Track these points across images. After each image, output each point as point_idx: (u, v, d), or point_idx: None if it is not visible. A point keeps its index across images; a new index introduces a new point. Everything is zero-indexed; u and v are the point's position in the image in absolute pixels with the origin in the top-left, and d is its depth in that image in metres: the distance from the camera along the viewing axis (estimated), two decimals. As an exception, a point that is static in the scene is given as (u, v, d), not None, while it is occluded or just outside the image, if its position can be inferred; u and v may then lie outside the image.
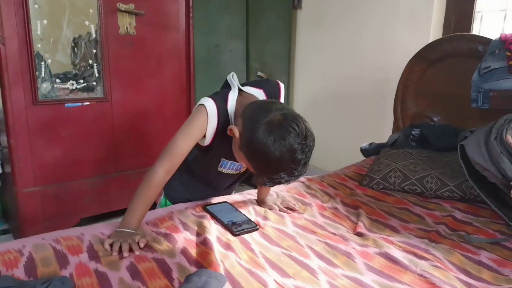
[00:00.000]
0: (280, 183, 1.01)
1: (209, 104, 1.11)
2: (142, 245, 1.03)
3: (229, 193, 1.50)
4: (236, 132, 1.04)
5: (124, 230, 1.05)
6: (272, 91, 1.25)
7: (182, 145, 1.11)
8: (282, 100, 1.27)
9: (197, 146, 1.18)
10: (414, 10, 2.34)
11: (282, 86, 1.29)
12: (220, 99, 1.14)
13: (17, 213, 2.00)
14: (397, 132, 2.13)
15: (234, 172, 1.30)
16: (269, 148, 0.95)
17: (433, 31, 2.28)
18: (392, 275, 1.00)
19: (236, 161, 1.19)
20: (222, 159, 1.23)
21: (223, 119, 1.12)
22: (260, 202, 1.41)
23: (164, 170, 1.10)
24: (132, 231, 1.06)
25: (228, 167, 1.26)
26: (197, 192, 1.39)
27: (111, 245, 1.02)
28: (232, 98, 1.15)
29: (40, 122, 1.97)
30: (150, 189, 1.10)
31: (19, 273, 0.90)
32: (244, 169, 1.30)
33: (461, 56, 1.97)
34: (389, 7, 2.46)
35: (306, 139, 0.99)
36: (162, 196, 1.42)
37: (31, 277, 0.89)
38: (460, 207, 1.48)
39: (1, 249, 0.98)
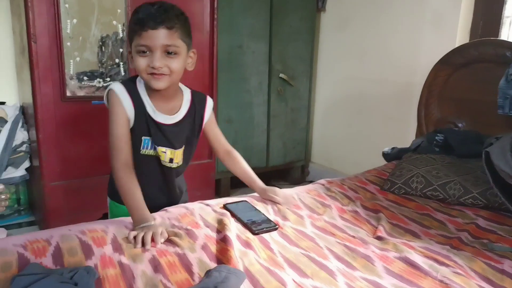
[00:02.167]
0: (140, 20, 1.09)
1: (115, 85, 1.18)
2: (162, 240, 1.05)
3: (174, 197, 1.37)
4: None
5: (144, 225, 1.07)
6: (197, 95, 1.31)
7: (117, 132, 1.15)
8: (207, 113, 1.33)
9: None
10: (440, 14, 2.30)
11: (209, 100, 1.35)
12: (127, 80, 1.24)
13: (43, 205, 2.07)
14: (420, 137, 2.11)
15: (152, 153, 1.23)
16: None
17: (460, 36, 2.25)
18: (412, 279, 1.00)
19: (148, 135, 1.20)
20: (142, 137, 1.21)
21: (133, 92, 1.18)
22: (260, 191, 1.41)
23: (120, 163, 1.14)
24: (151, 223, 1.07)
25: (148, 147, 1.22)
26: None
27: (134, 237, 1.04)
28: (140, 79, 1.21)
29: (67, 118, 2.03)
30: (127, 182, 1.12)
31: (47, 261, 0.93)
32: (163, 159, 1.24)
33: (488, 62, 1.94)
34: (415, 10, 2.43)
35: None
36: (108, 199, 1.38)
37: (58, 265, 0.93)
38: (483, 215, 1.46)
39: (30, 238, 1.02)
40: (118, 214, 1.27)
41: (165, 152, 1.23)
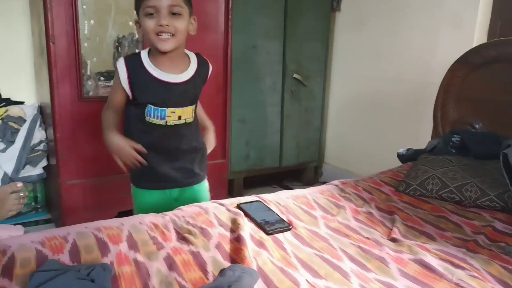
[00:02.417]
0: None
1: (118, 61, 1.29)
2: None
3: (187, 166, 1.42)
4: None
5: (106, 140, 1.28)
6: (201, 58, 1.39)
7: (111, 96, 1.34)
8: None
9: (132, 110, 1.33)
10: (458, 13, 2.27)
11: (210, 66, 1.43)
12: (132, 53, 1.39)
13: (59, 203, 2.10)
14: (436, 138, 2.08)
15: (161, 122, 1.30)
16: None
17: (478, 35, 2.21)
18: (427, 282, 0.99)
19: (157, 106, 1.28)
20: (146, 106, 1.29)
21: (134, 62, 1.28)
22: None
23: (106, 108, 1.34)
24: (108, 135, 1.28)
25: (153, 115, 1.29)
26: (155, 167, 1.35)
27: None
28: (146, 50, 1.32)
29: (84, 118, 2.06)
30: (102, 116, 1.33)
31: (64, 258, 0.95)
32: (173, 119, 1.31)
33: (507, 62, 1.90)
34: (432, 9, 2.40)
35: None
36: (132, 187, 1.46)
37: (75, 262, 0.95)
38: (500, 218, 1.43)
39: (47, 235, 1.04)
40: (140, 199, 1.41)
41: (174, 112, 1.30)
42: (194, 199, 1.43)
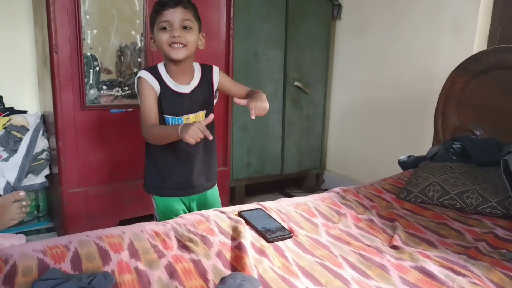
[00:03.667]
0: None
1: (141, 72, 1.40)
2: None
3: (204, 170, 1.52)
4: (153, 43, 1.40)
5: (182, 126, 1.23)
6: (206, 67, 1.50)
7: (145, 106, 1.37)
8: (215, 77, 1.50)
9: None
10: (458, 20, 2.29)
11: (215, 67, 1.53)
12: (149, 67, 1.48)
13: (61, 212, 2.11)
14: (437, 145, 2.08)
15: None
16: None
17: (478, 42, 2.22)
18: (428, 289, 0.99)
19: (173, 115, 1.39)
20: (164, 116, 1.40)
21: (155, 74, 1.39)
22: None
23: (148, 124, 1.35)
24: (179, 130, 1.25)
25: (171, 124, 1.40)
26: (172, 172, 1.46)
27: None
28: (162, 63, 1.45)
29: (87, 126, 2.08)
30: (154, 128, 1.34)
31: (66, 266, 0.96)
32: (187, 120, 1.41)
33: (507, 69, 1.91)
34: (432, 16, 2.42)
35: None
36: (152, 199, 1.54)
37: (76, 271, 0.95)
38: (502, 224, 1.43)
39: (49, 243, 1.05)
40: (162, 205, 1.50)
41: (188, 119, 1.42)
42: (212, 202, 1.57)
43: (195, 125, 1.17)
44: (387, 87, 2.75)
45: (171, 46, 1.33)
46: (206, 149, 1.50)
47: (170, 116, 1.41)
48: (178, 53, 1.34)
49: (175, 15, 1.32)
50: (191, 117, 1.43)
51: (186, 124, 1.24)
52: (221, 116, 2.49)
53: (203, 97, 1.47)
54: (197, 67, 1.49)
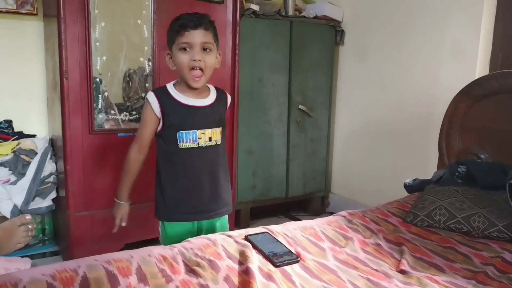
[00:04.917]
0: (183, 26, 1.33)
1: (148, 94, 1.42)
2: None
3: (218, 183, 1.50)
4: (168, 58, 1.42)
5: (117, 201, 1.52)
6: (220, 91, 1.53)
7: (142, 130, 1.43)
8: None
9: (161, 146, 1.45)
10: (459, 44, 2.33)
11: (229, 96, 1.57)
12: (159, 87, 1.50)
13: (67, 235, 2.11)
14: (442, 169, 2.09)
15: (193, 145, 1.41)
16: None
17: (479, 66, 2.26)
18: (437, 315, 0.98)
19: (188, 128, 1.39)
20: (177, 132, 1.39)
21: (162, 94, 1.41)
22: None
23: (135, 149, 1.45)
24: (121, 201, 1.51)
25: (186, 140, 1.40)
26: (189, 194, 1.45)
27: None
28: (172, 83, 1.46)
29: (94, 150, 2.11)
30: (129, 165, 1.46)
31: (75, 291, 0.96)
32: (204, 140, 1.42)
33: (510, 93, 1.93)
34: (434, 41, 2.46)
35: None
36: (160, 226, 1.53)
37: (85, 295, 0.95)
38: (509, 248, 1.42)
39: (58, 268, 1.05)
40: (169, 231, 1.48)
41: (204, 134, 1.42)
42: (222, 229, 1.53)
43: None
44: (390, 111, 2.77)
45: (191, 71, 1.35)
46: (218, 173, 1.49)
47: (184, 131, 1.39)
48: (198, 84, 1.37)
49: (196, 38, 1.32)
50: (207, 132, 1.42)
51: (121, 207, 1.50)
52: (227, 139, 2.48)
53: (220, 115, 1.48)
54: (212, 88, 1.51)
